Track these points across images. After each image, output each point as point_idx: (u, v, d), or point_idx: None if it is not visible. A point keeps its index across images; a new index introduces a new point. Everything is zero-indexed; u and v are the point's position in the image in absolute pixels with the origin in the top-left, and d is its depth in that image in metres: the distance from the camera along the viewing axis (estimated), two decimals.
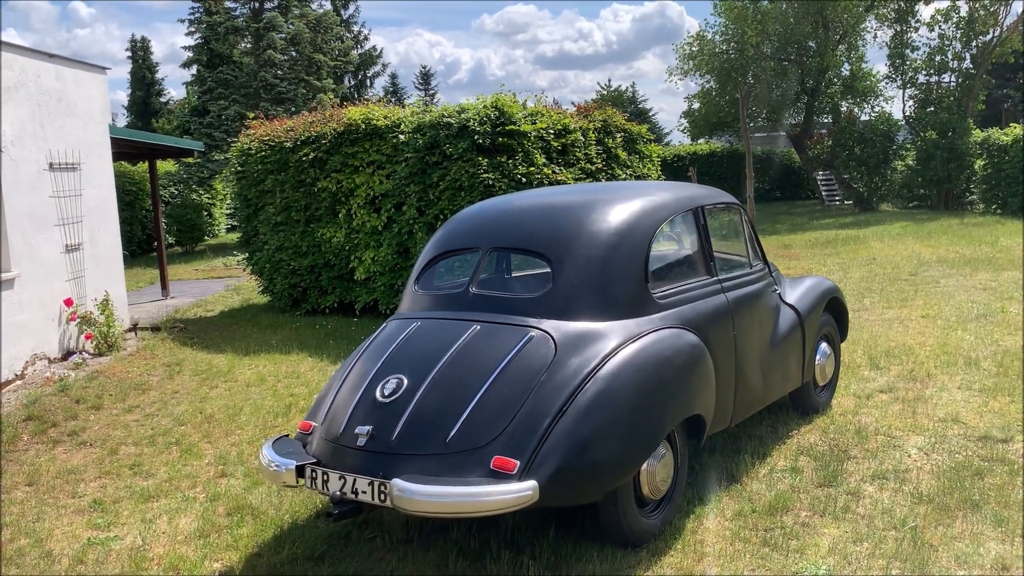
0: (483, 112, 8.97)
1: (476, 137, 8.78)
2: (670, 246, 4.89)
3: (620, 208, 4.29)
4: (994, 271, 11.69)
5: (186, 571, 3.90)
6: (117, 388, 7.41)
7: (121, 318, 9.50)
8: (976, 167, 22.47)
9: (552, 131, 9.33)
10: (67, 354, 8.58)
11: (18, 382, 7.68)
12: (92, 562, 4.05)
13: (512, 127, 8.92)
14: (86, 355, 8.56)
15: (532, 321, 3.86)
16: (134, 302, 11.63)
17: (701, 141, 33.64)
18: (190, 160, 21.21)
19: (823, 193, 28.47)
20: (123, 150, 12.58)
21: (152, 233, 20.30)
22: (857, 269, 12.83)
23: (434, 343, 3.87)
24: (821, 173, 28.92)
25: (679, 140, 45.30)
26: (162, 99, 44.93)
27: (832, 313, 6.02)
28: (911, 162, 24.15)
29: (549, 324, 3.83)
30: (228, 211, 25.43)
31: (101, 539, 4.31)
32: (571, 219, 4.23)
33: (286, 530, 4.28)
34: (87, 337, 8.70)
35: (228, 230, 26.04)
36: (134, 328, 9.87)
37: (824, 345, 5.87)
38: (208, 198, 22.46)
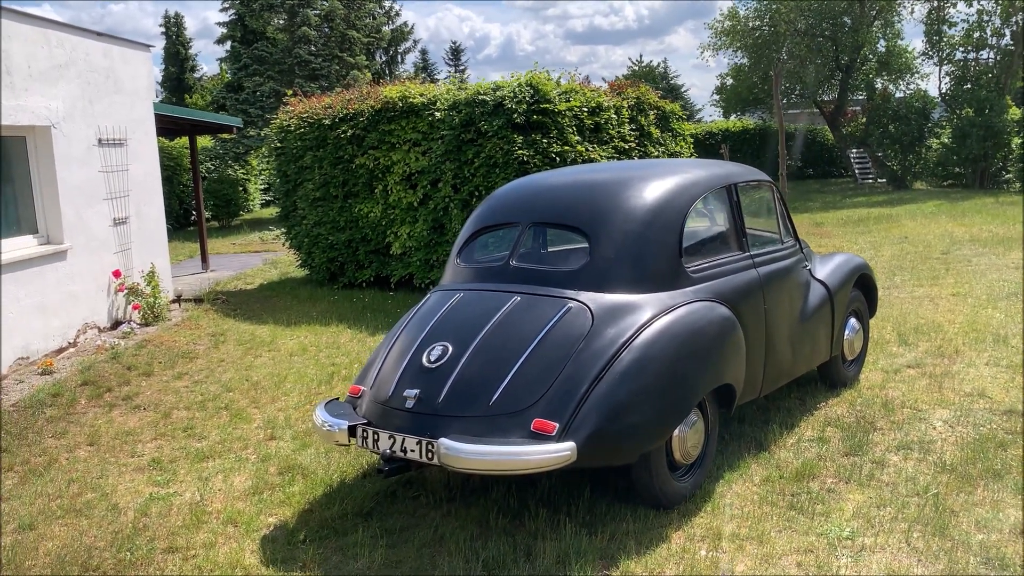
0: (518, 90, 9.11)
1: (513, 115, 8.93)
2: (703, 222, 5.05)
3: (655, 185, 4.45)
4: None
5: (243, 524, 4.16)
6: (166, 356, 7.72)
7: (166, 290, 9.82)
8: (1013, 145, 22.19)
9: (585, 109, 9.46)
10: (116, 324, 8.91)
11: (71, 349, 8.01)
12: (155, 515, 4.32)
13: (547, 105, 9.06)
14: (134, 325, 8.89)
15: (570, 293, 4.05)
16: (175, 275, 11.97)
17: (733, 117, 33.44)
18: (226, 136, 21.54)
19: (856, 171, 28.25)
20: (164, 126, 12.86)
21: (189, 208, 20.72)
22: (889, 247, 12.84)
23: (477, 313, 4.08)
24: (855, 151, 28.68)
25: (711, 116, 45.04)
26: (195, 75, 45.37)
27: (861, 289, 6.14)
28: (946, 140, 23.89)
29: (586, 296, 4.02)
30: (262, 186, 25.82)
31: (162, 495, 4.59)
32: (608, 195, 4.40)
33: (335, 488, 4.53)
34: (135, 307, 9.02)
35: (263, 205, 26.43)
36: (178, 300, 10.19)
37: (853, 320, 6.00)
38: (243, 173, 22.81)
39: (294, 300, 10.53)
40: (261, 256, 15.46)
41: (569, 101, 9.29)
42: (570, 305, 3.97)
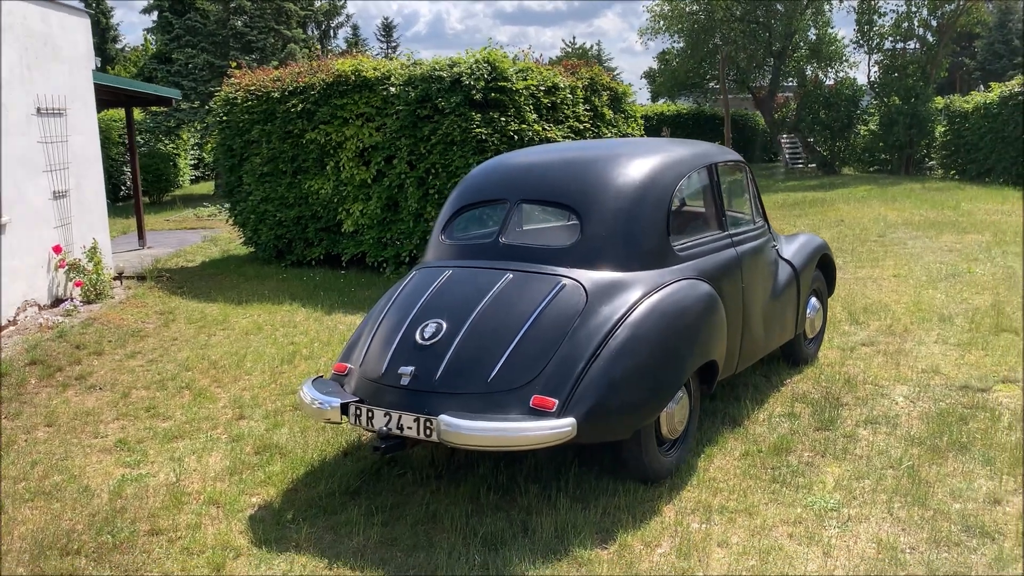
0: (475, 67, 9.04)
1: (471, 92, 8.85)
2: (688, 201, 5.10)
3: (643, 163, 4.48)
4: (958, 234, 12.13)
5: (226, 505, 4.06)
6: (115, 335, 7.46)
7: (108, 266, 9.48)
8: (937, 134, 23.01)
9: (542, 88, 9.44)
10: (57, 301, 8.57)
11: (11, 328, 7.68)
12: (131, 496, 4.19)
13: (504, 83, 9.01)
14: (76, 302, 8.56)
15: (562, 271, 4.05)
16: (112, 251, 11.54)
17: (661, 102, 33.82)
18: (156, 109, 20.84)
19: (787, 156, 28.93)
20: (99, 96, 12.36)
21: (119, 182, 20.01)
22: (827, 230, 13.20)
23: (470, 290, 4.05)
24: (785, 136, 29.35)
25: (638, 101, 45.58)
26: (118, 45, 43.65)
27: (821, 269, 6.31)
28: (874, 127, 24.63)
29: (579, 273, 4.03)
30: (193, 161, 25.09)
31: (135, 476, 4.45)
32: (598, 173, 4.40)
33: (317, 467, 4.46)
34: (77, 284, 8.69)
35: (193, 181, 25.70)
36: (120, 277, 9.85)
37: (814, 299, 6.16)
38: (174, 148, 22.12)
39: (241, 278, 10.29)
40: (199, 233, 15.03)
41: (526, 80, 9.25)
42: (564, 283, 3.97)
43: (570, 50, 52.62)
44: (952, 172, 21.93)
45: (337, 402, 3.85)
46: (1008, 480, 4.09)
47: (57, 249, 8.55)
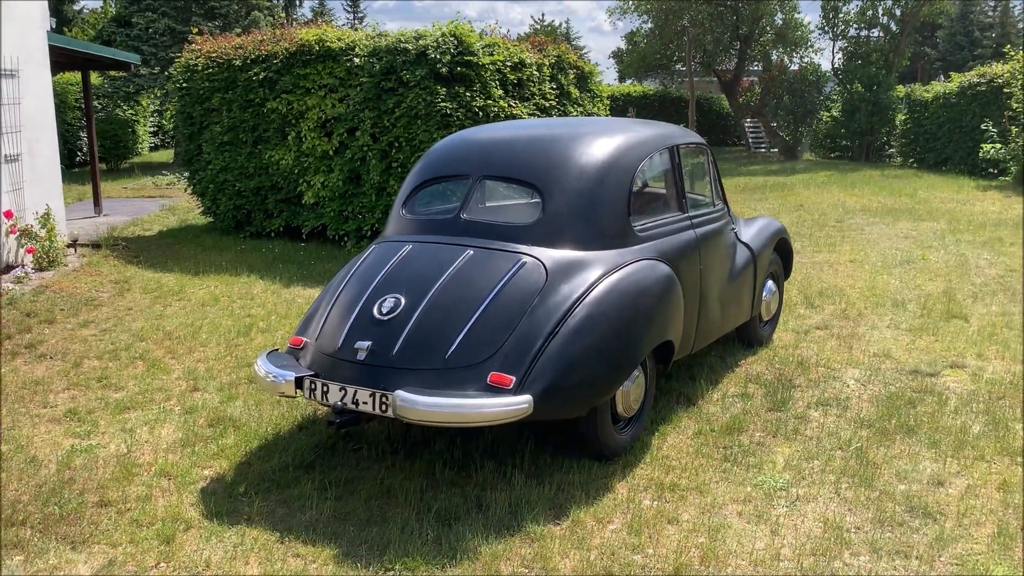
0: (441, 40, 8.95)
1: (436, 65, 8.77)
2: (649, 182, 5.12)
3: (606, 143, 4.47)
4: (913, 221, 12.35)
5: (178, 477, 4.02)
6: (67, 303, 7.32)
7: (61, 233, 9.28)
8: (897, 121, 23.33)
9: (508, 64, 9.38)
10: (7, 268, 8.37)
11: None
12: (80, 467, 4.13)
13: (471, 57, 8.94)
14: (28, 269, 8.37)
15: (523, 248, 4.05)
16: (67, 218, 11.30)
17: (629, 82, 33.84)
18: (115, 73, 20.36)
19: (750, 140, 29.14)
20: (54, 59, 12.03)
21: (75, 148, 19.56)
22: (787, 215, 13.34)
23: (429, 265, 4.03)
24: (749, 120, 29.55)
25: (608, 81, 45.52)
26: (75, 7, 42.50)
27: (778, 253, 6.38)
28: (836, 113, 24.89)
29: (539, 251, 4.03)
30: (152, 128, 24.59)
31: (84, 447, 4.38)
32: (561, 151, 4.39)
33: (271, 440, 4.43)
34: (28, 251, 8.50)
35: (152, 148, 25.20)
36: (74, 244, 9.65)
37: (770, 283, 6.24)
38: (133, 114, 21.65)
39: (199, 248, 10.13)
40: (157, 201, 14.76)
41: (493, 55, 9.19)
42: (524, 260, 3.97)
43: (539, 27, 52.33)
44: (911, 160, 22.26)
45: (292, 376, 3.82)
46: (951, 462, 4.19)
47: (8, 214, 8.34)
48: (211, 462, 4.21)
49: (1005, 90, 17.89)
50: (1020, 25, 47.62)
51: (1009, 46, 20.60)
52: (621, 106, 27.54)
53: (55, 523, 3.60)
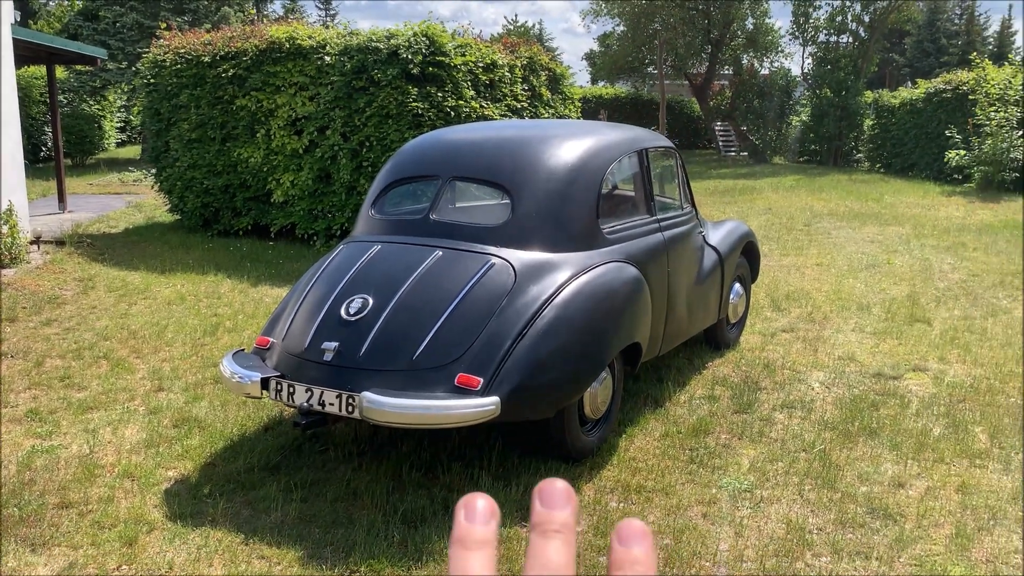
0: (413, 40, 8.92)
1: (408, 65, 8.75)
2: (618, 185, 5.14)
3: (575, 145, 4.49)
4: (880, 225, 12.52)
5: (141, 478, 3.98)
6: (30, 301, 7.20)
7: (24, 230, 9.13)
8: (865, 127, 23.63)
9: (480, 65, 9.38)
10: None
11: None
12: (41, 468, 4.07)
13: (442, 58, 8.93)
14: None
15: (492, 249, 4.05)
16: (30, 214, 11.12)
17: (602, 84, 33.96)
18: (81, 68, 20.07)
19: (720, 143, 29.35)
20: (18, 52, 11.84)
21: (39, 143, 19.25)
22: (755, 218, 13.47)
23: (398, 266, 4.02)
24: (719, 124, 29.77)
25: (581, 83, 45.74)
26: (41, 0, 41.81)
27: (746, 256, 6.44)
28: (805, 118, 25.16)
29: (508, 253, 4.04)
30: (119, 124, 24.26)
31: (46, 447, 4.32)
32: (531, 153, 4.40)
33: (236, 441, 4.39)
34: None
35: (118, 144, 24.86)
36: (37, 241, 9.50)
37: (737, 285, 6.30)
38: (99, 109, 21.35)
39: (165, 246, 10.02)
40: (123, 198, 14.58)
41: (465, 55, 9.18)
42: (493, 261, 3.97)
43: (512, 27, 52.36)
44: (878, 165, 22.55)
45: (257, 376, 3.79)
46: (912, 464, 4.26)
47: None
48: (175, 463, 4.17)
49: (970, 97, 18.19)
50: (985, 33, 48.51)
51: (975, 53, 20.95)
52: (593, 108, 27.63)
53: (14, 525, 3.54)
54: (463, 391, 3.56)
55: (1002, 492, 3.97)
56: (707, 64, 29.41)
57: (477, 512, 0.47)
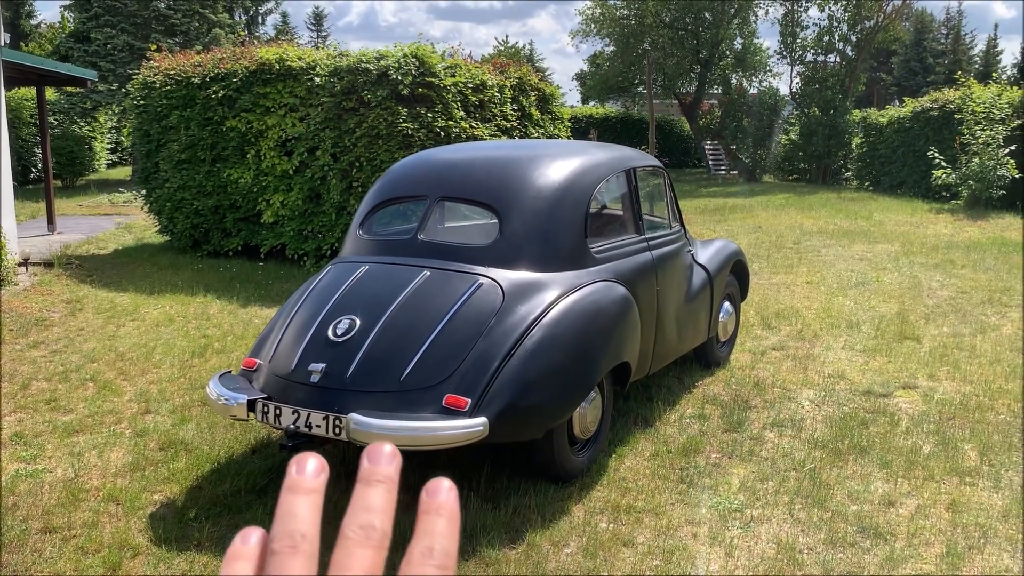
0: (403, 61, 8.96)
1: (398, 86, 8.78)
2: (607, 204, 5.16)
3: (563, 165, 4.50)
4: (869, 243, 12.57)
5: (126, 502, 3.94)
6: (17, 323, 7.16)
7: (12, 251, 9.10)
8: (853, 145, 23.79)
9: (470, 85, 9.42)
10: None
11: None
12: (25, 492, 4.02)
13: (432, 78, 8.96)
14: None
15: (480, 269, 4.05)
16: (18, 236, 11.08)
17: (592, 104, 34.15)
18: (72, 89, 20.08)
19: (710, 162, 29.49)
20: (8, 74, 11.85)
21: (29, 164, 19.22)
22: (745, 236, 13.51)
23: (386, 287, 4.01)
24: (709, 143, 29.93)
25: (569, 103, 46.01)
26: (32, 21, 41.91)
27: (735, 275, 6.46)
28: (794, 137, 25.32)
29: (496, 273, 4.03)
30: (110, 145, 24.26)
31: (30, 471, 4.28)
32: (518, 173, 4.41)
33: (223, 464, 4.36)
34: None
35: (109, 166, 24.85)
36: (25, 263, 9.46)
37: (727, 304, 6.30)
38: (90, 131, 21.35)
39: (154, 268, 9.99)
40: (112, 220, 14.55)
41: (454, 76, 9.22)
42: (481, 281, 3.97)
43: (503, 48, 52.67)
44: (866, 183, 22.68)
45: (244, 398, 3.77)
46: (902, 483, 4.25)
47: None
48: (161, 486, 4.13)
49: (956, 116, 18.34)
50: (971, 52, 49.02)
51: (960, 72, 21.14)
52: (583, 128, 27.75)
53: None
54: (451, 412, 3.55)
55: (992, 510, 3.96)
56: (696, 84, 29.63)
57: (307, 467, 0.49)
